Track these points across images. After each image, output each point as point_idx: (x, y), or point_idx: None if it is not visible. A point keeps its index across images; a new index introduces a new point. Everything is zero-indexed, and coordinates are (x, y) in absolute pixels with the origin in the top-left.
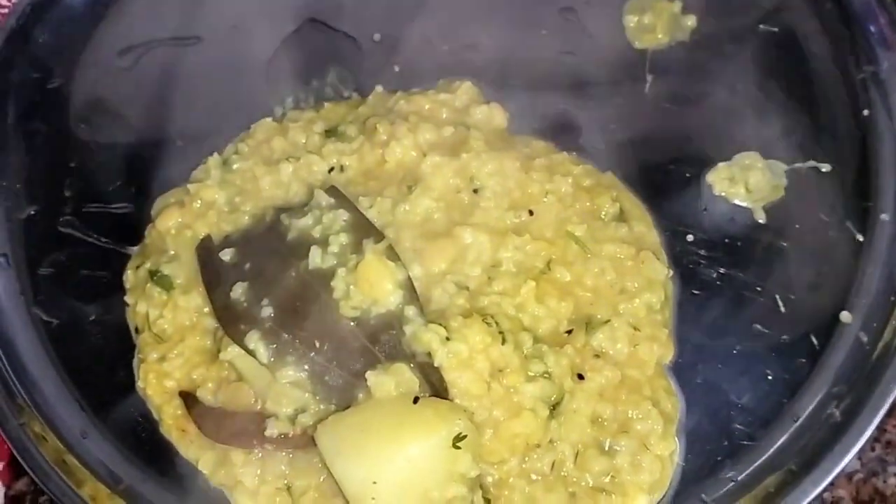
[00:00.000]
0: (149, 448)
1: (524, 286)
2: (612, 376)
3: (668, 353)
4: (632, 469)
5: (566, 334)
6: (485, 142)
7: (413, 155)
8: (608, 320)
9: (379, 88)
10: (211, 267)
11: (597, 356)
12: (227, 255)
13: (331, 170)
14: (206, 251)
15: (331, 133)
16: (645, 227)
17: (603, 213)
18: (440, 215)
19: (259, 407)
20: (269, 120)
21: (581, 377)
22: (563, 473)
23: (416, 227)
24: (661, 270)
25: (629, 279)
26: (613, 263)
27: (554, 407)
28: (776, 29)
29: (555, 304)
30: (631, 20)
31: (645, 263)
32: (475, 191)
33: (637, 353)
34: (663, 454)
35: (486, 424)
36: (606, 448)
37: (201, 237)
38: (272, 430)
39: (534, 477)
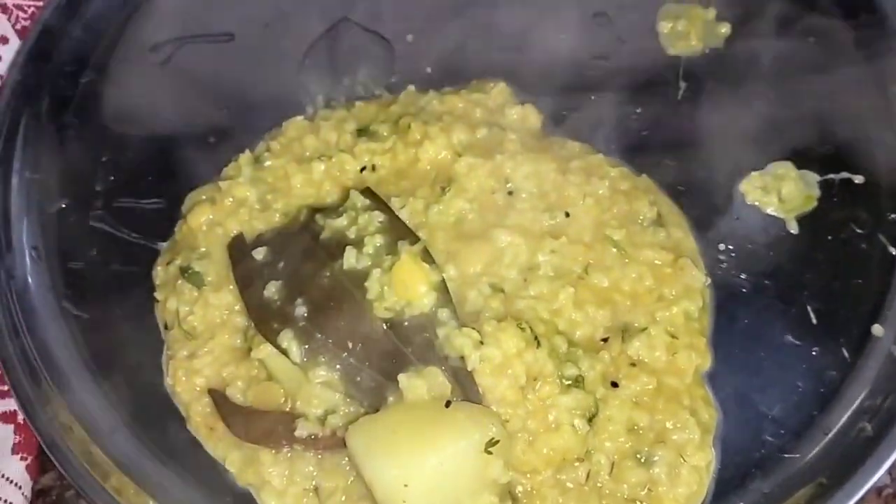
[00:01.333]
0: (177, 445)
1: (562, 292)
2: (648, 383)
3: (706, 362)
4: (668, 481)
5: (602, 342)
6: (520, 143)
7: (446, 155)
8: (645, 328)
9: (411, 87)
10: (243, 265)
11: (633, 364)
12: (259, 253)
13: (363, 169)
14: (238, 249)
15: (363, 132)
16: (682, 233)
17: (641, 217)
18: (474, 216)
19: (289, 407)
20: (300, 118)
21: (615, 385)
22: (598, 484)
23: (449, 229)
24: (699, 278)
25: (667, 286)
26: (651, 269)
27: (591, 419)
28: (812, 38)
29: (593, 310)
30: (665, 26)
31: (683, 270)
32: (510, 193)
33: (675, 361)
34: (700, 465)
35: (520, 434)
36: (643, 460)
37: (233, 235)
38: (302, 430)
39: (569, 485)
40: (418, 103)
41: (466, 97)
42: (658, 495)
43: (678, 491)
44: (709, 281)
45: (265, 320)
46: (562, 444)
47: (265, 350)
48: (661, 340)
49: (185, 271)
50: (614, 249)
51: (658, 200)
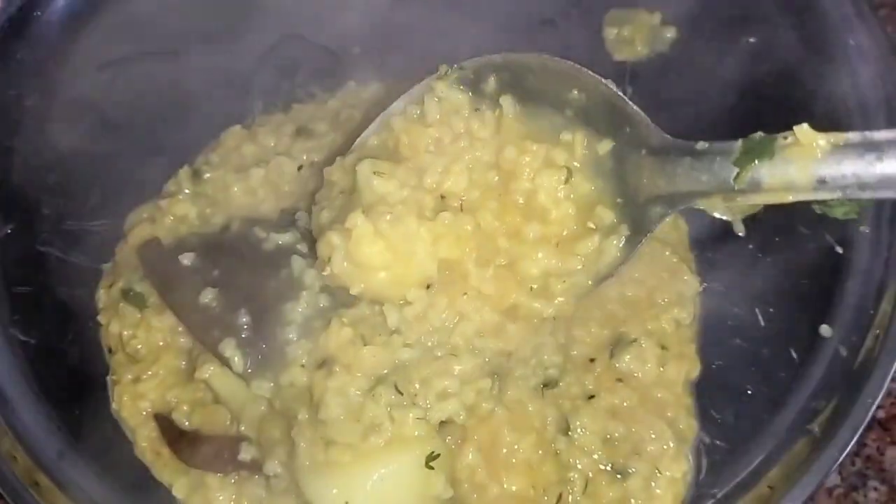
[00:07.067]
0: (125, 470)
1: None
2: (628, 397)
3: (695, 370)
4: (644, 494)
5: (590, 362)
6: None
7: None
8: (635, 339)
9: (352, 83)
10: (163, 270)
11: (619, 380)
12: (187, 258)
13: (300, 168)
14: (154, 253)
15: (301, 132)
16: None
17: None
18: None
19: (234, 429)
20: (237, 127)
21: (591, 397)
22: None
23: None
24: (692, 285)
25: (659, 294)
26: (653, 268)
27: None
28: (754, 39)
29: (596, 329)
30: (611, 32)
31: (677, 275)
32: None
33: (665, 373)
34: (676, 476)
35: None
36: (618, 474)
37: (146, 239)
38: (245, 454)
39: None
40: (361, 96)
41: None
42: None
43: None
44: (701, 288)
45: (204, 328)
46: (541, 480)
47: (209, 369)
48: (652, 353)
49: (126, 293)
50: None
51: None
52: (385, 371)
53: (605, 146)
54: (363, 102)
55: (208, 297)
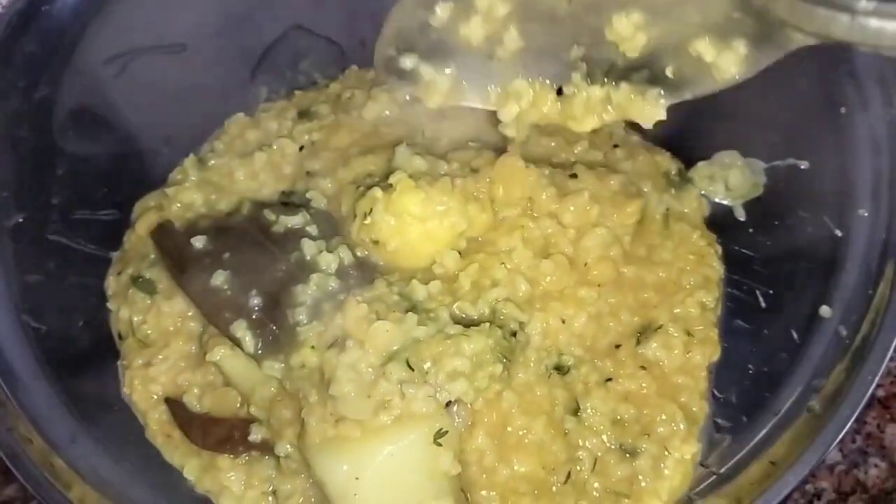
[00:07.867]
0: (137, 452)
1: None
2: (648, 384)
3: (716, 353)
4: (653, 473)
5: (615, 348)
6: None
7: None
8: (661, 325)
9: (354, 67)
10: (175, 252)
11: (643, 367)
12: (199, 241)
13: (301, 148)
14: (167, 236)
15: (303, 115)
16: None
17: (669, 170)
18: None
19: (245, 411)
20: (241, 114)
21: (608, 380)
22: (577, 480)
23: None
24: (718, 269)
25: (685, 277)
26: (680, 251)
27: (574, 413)
28: None
29: (626, 316)
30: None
31: (704, 259)
32: None
33: (690, 360)
34: (686, 456)
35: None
36: (627, 453)
37: (158, 223)
38: (255, 435)
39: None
40: (364, 78)
41: None
42: (638, 490)
43: (663, 484)
44: (724, 274)
45: (215, 310)
46: (550, 460)
47: (220, 352)
48: (679, 340)
49: (136, 280)
50: (658, 217)
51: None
52: (396, 347)
53: None
54: (365, 83)
55: (220, 279)
